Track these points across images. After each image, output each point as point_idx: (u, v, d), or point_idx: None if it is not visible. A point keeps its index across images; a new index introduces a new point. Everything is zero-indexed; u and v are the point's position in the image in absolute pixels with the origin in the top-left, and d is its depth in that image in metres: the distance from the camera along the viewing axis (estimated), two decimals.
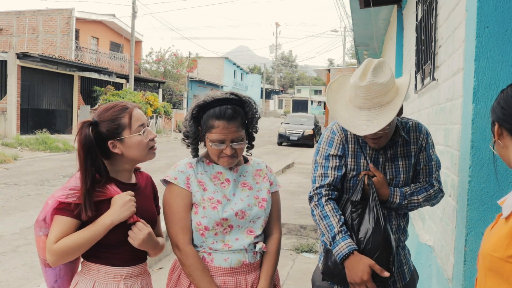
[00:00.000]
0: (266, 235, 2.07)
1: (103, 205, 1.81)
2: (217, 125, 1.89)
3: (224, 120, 1.89)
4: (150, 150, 1.92)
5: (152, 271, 4.61)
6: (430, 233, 3.40)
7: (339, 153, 2.08)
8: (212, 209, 1.92)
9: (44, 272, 1.92)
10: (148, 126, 1.93)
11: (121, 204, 1.79)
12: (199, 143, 2.03)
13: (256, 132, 2.07)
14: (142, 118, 1.90)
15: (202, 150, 2.07)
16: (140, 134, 1.86)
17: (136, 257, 1.92)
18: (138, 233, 1.82)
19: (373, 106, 1.91)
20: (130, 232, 1.82)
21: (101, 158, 1.84)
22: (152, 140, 1.92)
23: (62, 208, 1.77)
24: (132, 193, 1.85)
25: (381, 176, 2.04)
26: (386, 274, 1.90)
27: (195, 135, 1.99)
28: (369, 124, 1.90)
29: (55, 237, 1.75)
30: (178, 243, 1.93)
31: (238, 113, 1.92)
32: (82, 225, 1.80)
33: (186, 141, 2.03)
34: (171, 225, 1.96)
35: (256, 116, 2.01)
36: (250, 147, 2.10)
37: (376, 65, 1.92)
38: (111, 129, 1.84)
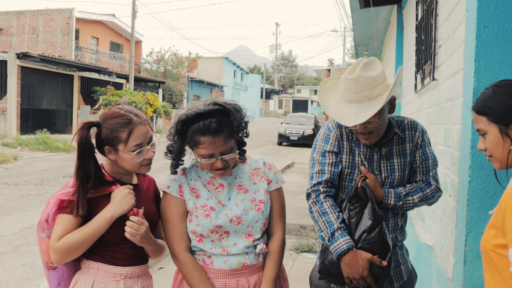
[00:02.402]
0: (268, 235, 2.03)
1: (103, 201, 1.82)
2: (203, 140, 1.83)
3: (209, 135, 1.82)
4: (142, 166, 1.90)
5: (152, 271, 4.61)
6: (430, 233, 3.40)
7: (335, 149, 2.09)
8: (204, 217, 1.90)
9: (48, 275, 1.93)
10: (149, 143, 1.89)
11: (121, 198, 1.80)
12: (184, 155, 1.97)
13: (247, 136, 1.98)
14: (141, 138, 1.86)
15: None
16: (131, 154, 1.83)
17: (137, 257, 1.91)
18: (139, 228, 1.81)
19: (362, 99, 1.93)
20: (128, 228, 1.80)
21: (95, 162, 1.84)
22: (147, 159, 1.89)
23: (64, 207, 1.78)
24: (131, 186, 1.86)
25: (373, 178, 2.04)
26: (384, 263, 1.94)
27: (179, 151, 1.92)
28: (357, 115, 1.92)
29: (58, 235, 1.76)
30: (174, 251, 1.93)
31: (224, 125, 1.84)
32: (84, 222, 1.81)
33: (169, 155, 1.96)
34: (167, 233, 1.96)
35: (244, 121, 1.91)
36: (242, 152, 2.00)
37: (367, 61, 1.95)
38: (108, 138, 1.84)
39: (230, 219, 1.91)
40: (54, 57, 19.58)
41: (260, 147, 20.41)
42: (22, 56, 17.98)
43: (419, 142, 2.14)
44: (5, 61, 17.94)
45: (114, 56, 27.67)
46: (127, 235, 1.81)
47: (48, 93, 20.18)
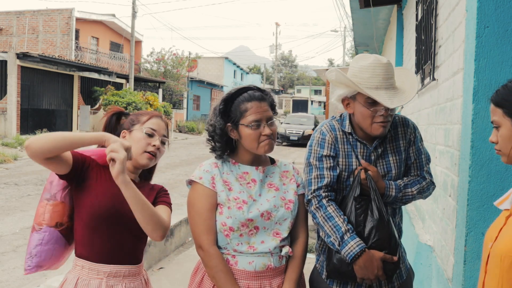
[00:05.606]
0: (292, 238, 2.04)
1: (106, 172, 1.88)
2: (250, 106, 1.93)
3: (255, 100, 1.94)
4: (145, 153, 1.93)
5: (152, 271, 4.60)
6: (430, 233, 3.40)
7: (331, 153, 2.08)
8: (237, 209, 1.90)
9: (30, 237, 1.95)
10: (160, 139, 1.97)
11: (116, 139, 1.73)
12: (226, 143, 1.99)
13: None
14: (157, 126, 1.98)
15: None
16: (142, 131, 1.94)
17: (123, 255, 1.89)
18: (118, 150, 1.67)
19: (388, 86, 1.97)
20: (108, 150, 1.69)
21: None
22: (153, 146, 1.94)
23: None
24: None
25: (375, 170, 2.04)
26: (395, 258, 1.96)
27: (222, 131, 1.96)
28: (392, 100, 1.95)
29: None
30: (202, 244, 1.90)
31: (265, 95, 1.99)
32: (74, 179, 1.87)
33: (212, 141, 2.00)
34: (195, 225, 1.93)
35: (274, 104, 2.05)
36: None
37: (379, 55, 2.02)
38: (130, 120, 2.02)
39: (261, 214, 1.92)
40: (54, 57, 19.57)
41: None
42: (22, 56, 17.97)
43: (412, 139, 2.15)
44: (5, 61, 17.94)
45: (114, 56, 27.66)
46: (108, 155, 1.68)
47: (48, 93, 20.18)
